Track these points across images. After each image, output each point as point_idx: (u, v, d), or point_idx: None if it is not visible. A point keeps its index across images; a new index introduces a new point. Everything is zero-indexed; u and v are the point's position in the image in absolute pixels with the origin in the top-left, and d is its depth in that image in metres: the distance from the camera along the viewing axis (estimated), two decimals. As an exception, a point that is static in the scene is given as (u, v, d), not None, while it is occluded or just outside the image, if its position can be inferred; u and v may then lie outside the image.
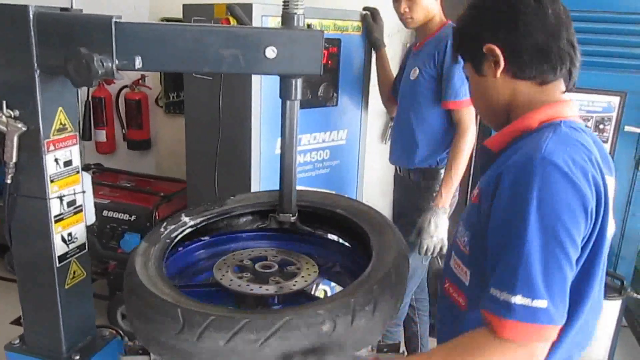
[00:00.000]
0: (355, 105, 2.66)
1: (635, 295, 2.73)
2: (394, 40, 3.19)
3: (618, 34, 2.61)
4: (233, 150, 2.43)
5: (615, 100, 2.67)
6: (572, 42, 1.09)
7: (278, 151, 2.45)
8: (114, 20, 1.20)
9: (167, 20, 3.38)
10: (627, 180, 2.72)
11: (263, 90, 2.29)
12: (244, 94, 2.32)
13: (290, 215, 1.50)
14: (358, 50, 2.61)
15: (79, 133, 3.73)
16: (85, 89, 3.69)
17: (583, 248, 1.01)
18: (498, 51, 1.10)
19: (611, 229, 1.08)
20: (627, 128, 2.66)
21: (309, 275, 1.33)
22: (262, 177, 2.41)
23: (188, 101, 2.82)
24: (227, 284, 1.28)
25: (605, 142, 2.71)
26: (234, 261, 1.41)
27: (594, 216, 0.99)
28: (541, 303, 0.93)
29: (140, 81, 3.68)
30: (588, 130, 1.14)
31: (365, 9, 2.58)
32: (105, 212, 3.00)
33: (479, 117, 2.19)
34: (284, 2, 1.36)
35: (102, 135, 3.76)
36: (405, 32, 3.19)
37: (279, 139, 2.44)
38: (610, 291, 2.61)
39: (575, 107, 1.15)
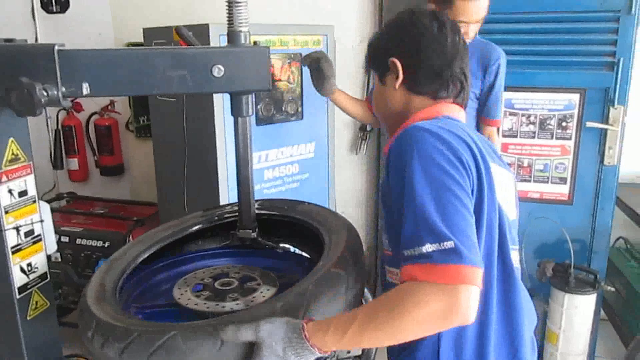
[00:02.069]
0: (321, 118, 2.69)
1: (610, 288, 2.76)
2: (358, 51, 3.23)
3: (575, 32, 2.67)
4: (200, 169, 2.44)
5: (575, 98, 2.72)
6: (464, 71, 1.25)
7: (246, 168, 2.47)
8: (56, 48, 1.21)
9: (133, 44, 3.39)
10: (593, 175, 2.77)
11: (226, 108, 2.31)
12: (207, 113, 2.33)
13: (251, 231, 1.50)
14: (320, 63, 2.63)
15: (51, 162, 3.71)
16: (54, 117, 3.69)
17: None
18: (399, 65, 1.25)
19: (511, 215, 1.18)
20: (589, 124, 2.72)
21: (268, 290, 1.33)
22: (231, 194, 2.42)
23: (155, 124, 2.83)
24: (184, 302, 1.28)
25: (569, 138, 2.76)
26: (195, 280, 1.41)
27: (473, 172, 1.07)
28: (449, 244, 0.93)
29: (109, 107, 3.68)
30: (465, 127, 1.21)
31: (307, 58, 2.19)
32: (79, 240, 2.97)
33: None
34: (228, 20, 1.36)
35: (74, 164, 3.74)
36: (368, 43, 3.23)
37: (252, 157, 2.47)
38: (585, 285, 2.64)
39: (458, 112, 1.27)
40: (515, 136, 2.84)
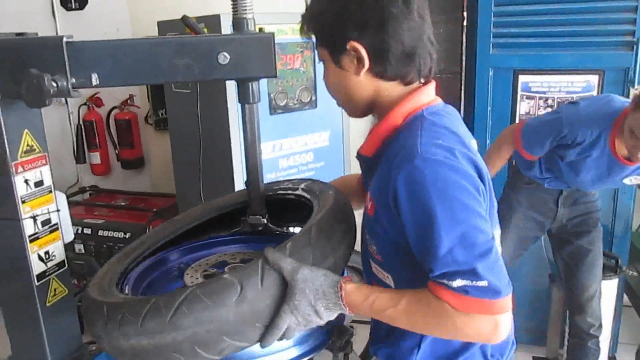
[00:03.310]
0: (335, 106, 2.67)
1: (632, 273, 2.71)
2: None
3: (592, 12, 2.60)
4: (216, 159, 2.47)
5: (594, 79, 2.66)
6: (430, 38, 1.09)
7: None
8: (64, 40, 1.24)
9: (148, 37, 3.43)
10: (613, 157, 2.71)
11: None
12: (221, 104, 2.35)
13: (261, 217, 1.52)
14: (333, 51, 2.63)
15: (74, 157, 3.79)
16: (76, 113, 3.77)
17: None
18: (363, 51, 1.06)
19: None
20: (609, 106, 2.65)
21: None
22: (246, 184, 2.44)
23: (171, 116, 2.87)
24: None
25: (588, 121, 2.70)
26: (206, 266, 1.43)
27: (485, 195, 1.02)
28: (482, 283, 0.93)
29: (128, 101, 3.74)
30: (447, 108, 1.15)
31: None
32: (100, 232, 3.05)
33: None
34: (232, 7, 1.37)
35: (96, 158, 3.82)
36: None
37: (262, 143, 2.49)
38: (606, 271, 2.60)
39: (431, 89, 1.14)
40: (533, 120, 2.80)
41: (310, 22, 1.15)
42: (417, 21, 1.06)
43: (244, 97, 1.42)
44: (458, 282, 0.94)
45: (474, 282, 0.93)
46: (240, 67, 1.33)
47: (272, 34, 1.34)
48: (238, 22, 1.37)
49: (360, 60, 1.07)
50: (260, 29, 1.41)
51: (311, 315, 1.02)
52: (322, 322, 1.05)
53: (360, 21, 1.05)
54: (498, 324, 0.96)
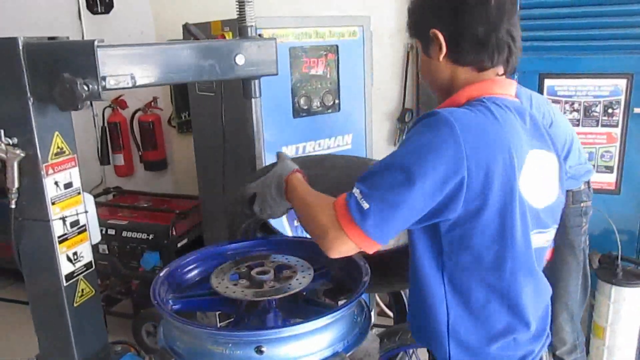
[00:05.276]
0: (359, 110, 2.68)
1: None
2: (395, 40, 3.21)
3: (620, 15, 2.57)
4: (239, 162, 2.47)
5: (622, 83, 2.63)
6: (511, 32, 1.15)
7: (283, 160, 2.49)
8: (96, 44, 1.25)
9: (172, 41, 3.46)
10: (641, 162, 2.67)
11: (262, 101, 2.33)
12: (244, 106, 2.36)
13: None
14: (357, 54, 2.63)
15: (98, 158, 3.85)
16: (100, 115, 3.82)
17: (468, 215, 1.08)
18: (441, 38, 1.16)
19: (540, 202, 1.17)
20: (637, 110, 2.62)
21: (304, 278, 1.35)
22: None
23: (195, 119, 2.89)
24: (222, 291, 1.31)
25: (616, 126, 2.67)
26: (231, 269, 1.44)
27: (463, 186, 1.04)
28: (365, 205, 1.05)
29: (152, 103, 3.77)
30: (521, 108, 1.19)
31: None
32: (124, 233, 3.08)
33: None
34: (239, 17, 1.61)
35: (120, 159, 3.87)
36: (405, 33, 3.20)
37: (284, 147, 2.49)
38: (633, 278, 2.55)
39: (509, 86, 1.20)
40: (559, 124, 2.76)
41: (408, 18, 1.28)
42: (492, 11, 1.12)
43: (249, 93, 1.68)
44: (356, 190, 1.08)
45: (361, 200, 1.06)
46: (252, 66, 1.56)
47: (275, 39, 1.62)
48: (244, 29, 1.63)
49: (440, 46, 1.17)
50: (260, 35, 1.69)
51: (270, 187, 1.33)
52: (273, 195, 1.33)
53: (439, 10, 1.17)
54: (341, 241, 1.09)
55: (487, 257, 1.12)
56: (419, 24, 1.23)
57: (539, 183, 1.18)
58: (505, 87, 1.19)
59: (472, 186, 1.04)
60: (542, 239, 1.22)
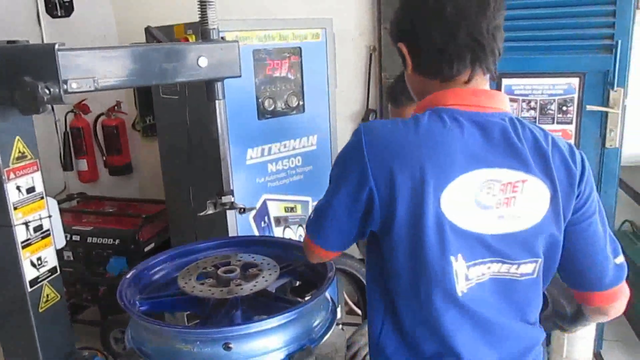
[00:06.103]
0: (323, 111, 2.72)
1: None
2: (358, 42, 3.27)
3: (572, 16, 2.67)
4: (204, 165, 2.48)
5: (575, 82, 2.73)
6: (472, 34, 1.07)
7: (250, 161, 2.51)
8: (57, 47, 1.25)
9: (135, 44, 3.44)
10: (595, 158, 2.77)
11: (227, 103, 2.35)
12: (209, 109, 2.37)
13: (230, 195, 1.73)
14: (320, 56, 2.67)
15: (61, 164, 3.77)
16: (63, 120, 3.75)
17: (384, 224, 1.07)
18: (405, 50, 1.15)
19: (502, 227, 1.08)
20: (590, 107, 2.72)
21: (270, 275, 1.38)
22: (235, 188, 2.45)
23: (159, 122, 2.88)
24: (189, 290, 1.32)
25: (570, 123, 2.77)
26: (198, 269, 1.45)
27: (373, 194, 1.05)
28: (311, 215, 1.18)
29: (115, 108, 3.73)
30: (490, 122, 1.11)
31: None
32: (89, 239, 3.04)
33: None
34: (201, 20, 1.62)
35: (83, 164, 3.80)
36: (368, 35, 3.26)
37: (249, 149, 2.51)
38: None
39: (468, 96, 1.11)
40: (517, 122, 2.85)
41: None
42: (449, 17, 1.07)
43: (212, 95, 1.68)
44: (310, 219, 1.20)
45: (310, 219, 1.19)
46: (215, 68, 1.57)
47: (237, 41, 1.63)
48: (206, 32, 1.63)
49: (405, 59, 1.16)
50: (223, 38, 1.67)
51: None
52: None
53: (401, 24, 1.17)
54: (306, 250, 1.23)
55: (405, 276, 1.09)
56: (392, 38, 1.21)
57: (488, 206, 1.07)
58: (464, 98, 1.10)
59: (382, 196, 1.04)
60: (501, 269, 1.11)
